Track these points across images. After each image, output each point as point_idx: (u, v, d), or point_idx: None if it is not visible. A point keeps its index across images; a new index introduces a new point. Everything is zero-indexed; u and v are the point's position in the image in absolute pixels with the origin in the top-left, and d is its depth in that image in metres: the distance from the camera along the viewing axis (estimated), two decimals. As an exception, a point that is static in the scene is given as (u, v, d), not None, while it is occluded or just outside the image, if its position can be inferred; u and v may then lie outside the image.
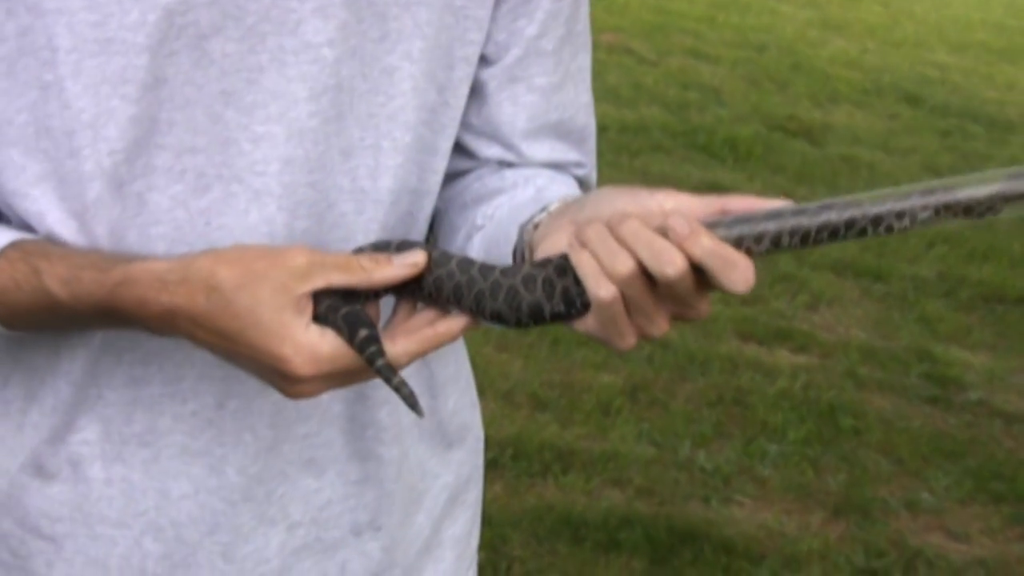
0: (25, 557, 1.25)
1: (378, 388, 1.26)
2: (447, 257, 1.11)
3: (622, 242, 1.02)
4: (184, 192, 1.15)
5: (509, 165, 1.31)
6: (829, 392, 4.57)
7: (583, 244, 1.04)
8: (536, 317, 1.08)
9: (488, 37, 1.27)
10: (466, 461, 1.45)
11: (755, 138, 7.31)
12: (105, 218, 1.14)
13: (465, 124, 1.30)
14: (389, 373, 1.06)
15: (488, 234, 1.24)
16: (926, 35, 11.18)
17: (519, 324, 1.09)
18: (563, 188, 1.25)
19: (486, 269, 1.10)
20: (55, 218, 1.14)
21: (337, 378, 1.08)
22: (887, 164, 7.39)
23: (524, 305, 1.07)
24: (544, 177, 1.28)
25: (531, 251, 1.14)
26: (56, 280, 1.10)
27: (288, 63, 1.14)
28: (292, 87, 1.15)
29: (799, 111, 8.12)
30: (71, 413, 1.21)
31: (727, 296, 5.10)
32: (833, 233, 1.02)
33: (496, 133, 1.30)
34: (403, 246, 1.12)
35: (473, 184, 1.31)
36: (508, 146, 1.31)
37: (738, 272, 1.00)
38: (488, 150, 1.31)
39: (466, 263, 1.11)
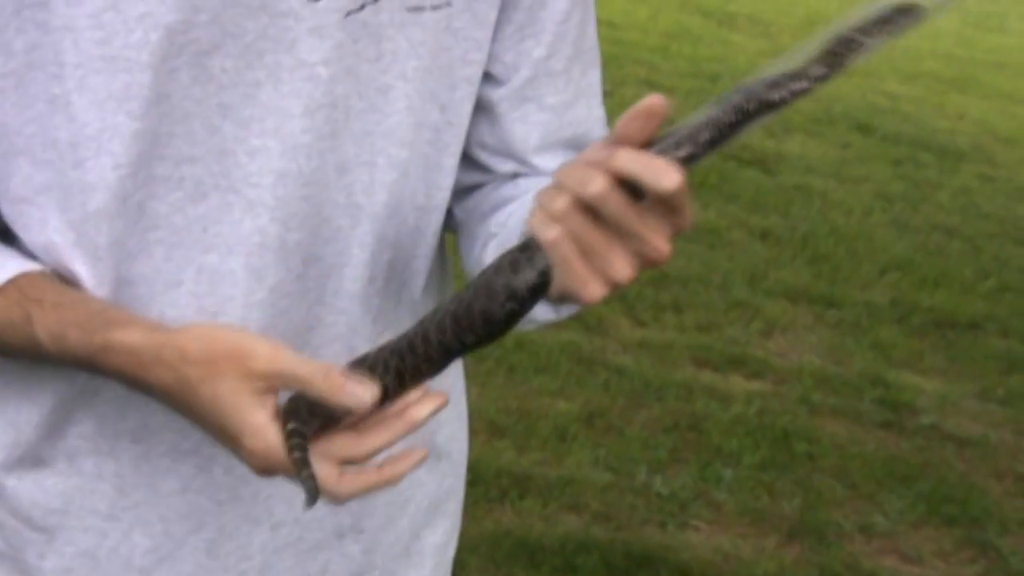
0: (18, 548, 1.28)
1: None
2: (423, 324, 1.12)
3: (557, 185, 1.05)
4: (182, 199, 1.18)
5: (525, 175, 1.34)
6: (783, 417, 4.60)
7: (535, 205, 1.07)
8: (514, 296, 1.08)
9: (495, 58, 1.29)
10: (450, 472, 1.47)
11: (709, 167, 7.34)
12: (106, 228, 1.16)
13: (479, 143, 1.32)
14: (301, 465, 1.07)
15: (501, 241, 1.26)
16: (877, 65, 11.26)
17: (507, 313, 1.08)
18: None
19: (452, 299, 1.11)
20: (55, 227, 1.16)
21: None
22: (839, 192, 7.44)
23: (499, 289, 1.07)
24: None
25: None
26: (45, 332, 1.14)
27: (284, 80, 1.17)
28: (287, 103, 1.18)
29: (752, 140, 8.16)
30: (69, 407, 1.24)
31: (682, 323, 5.16)
32: (740, 111, 1.04)
33: (510, 151, 1.33)
34: (374, 366, 1.11)
35: (490, 194, 1.34)
36: (522, 162, 1.33)
37: (660, 170, 1.01)
38: (503, 166, 1.34)
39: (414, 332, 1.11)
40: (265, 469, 1.10)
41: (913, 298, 5.97)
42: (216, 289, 1.20)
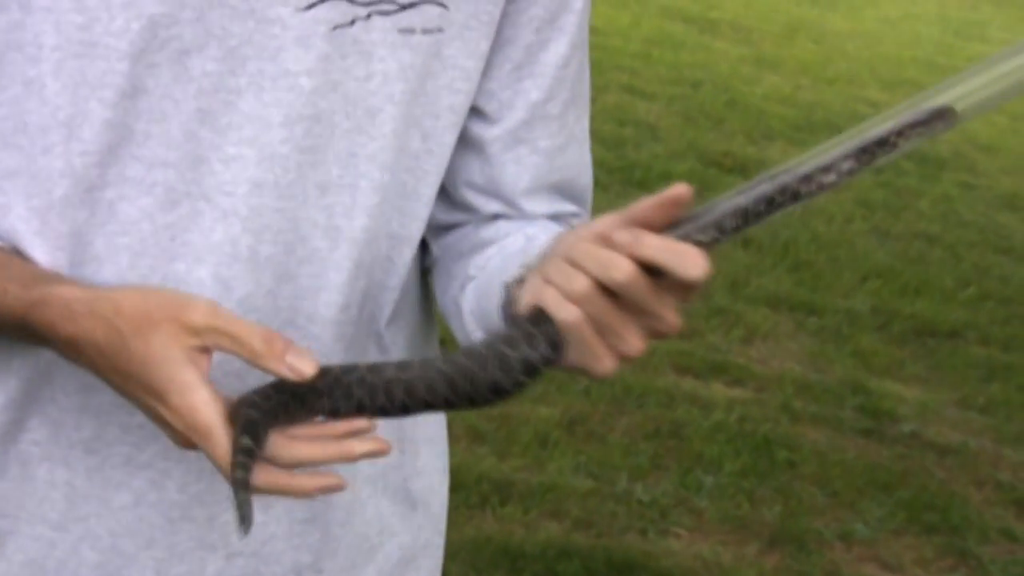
0: None
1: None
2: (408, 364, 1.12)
3: (575, 264, 1.04)
4: (152, 205, 1.17)
5: (506, 217, 1.33)
6: (764, 425, 4.60)
7: (546, 281, 1.06)
8: (530, 371, 1.08)
9: (490, 95, 1.28)
10: (426, 526, 1.43)
11: (691, 174, 7.35)
12: (70, 218, 1.16)
13: (467, 182, 1.31)
14: (240, 487, 1.03)
15: (479, 285, 1.25)
16: (858, 72, 11.29)
17: (517, 385, 1.09)
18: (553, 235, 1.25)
19: (449, 357, 1.11)
20: (18, 214, 1.16)
21: (203, 448, 1.07)
22: (820, 200, 7.44)
23: (515, 363, 1.07)
24: (536, 226, 1.29)
25: (516, 306, 1.14)
26: None
27: (266, 88, 1.16)
28: (268, 112, 1.17)
29: (734, 147, 8.18)
30: (22, 412, 1.22)
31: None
32: (770, 202, 1.04)
33: (498, 192, 1.31)
34: (347, 371, 1.11)
35: (470, 235, 1.32)
36: (509, 203, 1.32)
37: (689, 259, 1.01)
38: (489, 206, 1.32)
39: (443, 361, 1.11)
40: (185, 435, 1.07)
41: (894, 306, 5.98)
42: None
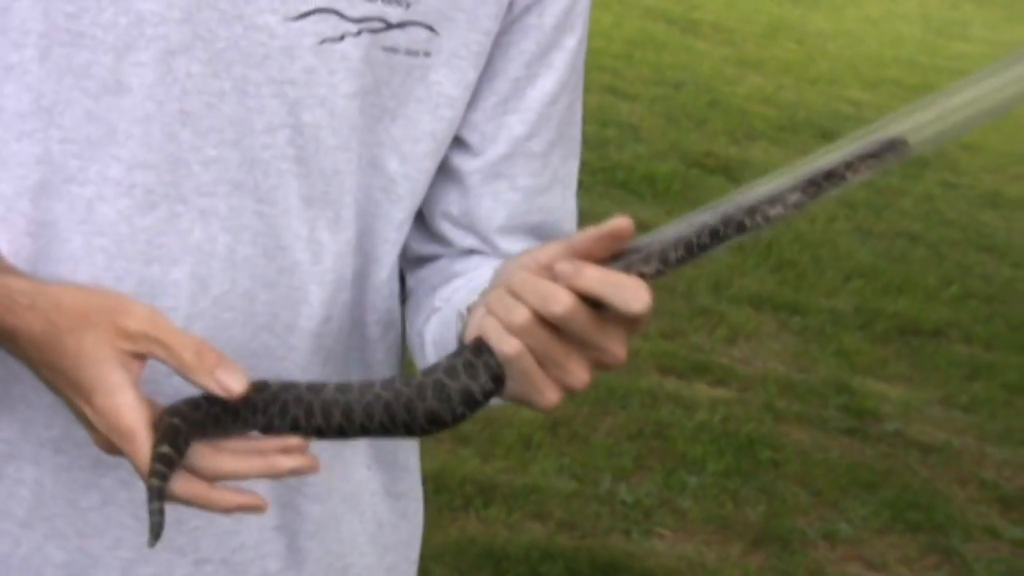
0: None
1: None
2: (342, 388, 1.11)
3: (516, 296, 1.03)
4: (131, 207, 1.16)
5: (482, 253, 1.31)
6: (748, 425, 4.60)
7: (488, 311, 1.05)
8: (469, 403, 1.07)
9: (473, 126, 1.27)
10: (393, 548, 1.41)
11: (673, 174, 7.36)
12: (44, 207, 1.16)
13: (444, 213, 1.30)
14: (154, 496, 1.03)
15: (442, 317, 1.24)
16: (840, 72, 11.31)
17: (455, 416, 1.08)
18: None
19: (390, 383, 1.10)
20: None
21: (125, 452, 1.07)
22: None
23: (454, 394, 1.07)
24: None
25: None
26: None
27: (249, 93, 1.16)
28: (250, 117, 1.17)
29: (716, 147, 8.19)
30: None
31: (647, 330, 5.14)
32: (714, 234, 1.02)
33: (474, 226, 1.30)
34: (285, 388, 1.10)
35: (444, 268, 1.31)
36: (484, 240, 1.30)
37: (630, 291, 0.99)
38: (464, 240, 1.31)
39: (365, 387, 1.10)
40: (107, 436, 1.06)
41: (877, 305, 5.99)
42: (156, 301, 1.17)
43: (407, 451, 1.40)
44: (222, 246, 1.19)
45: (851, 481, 4.37)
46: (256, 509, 1.09)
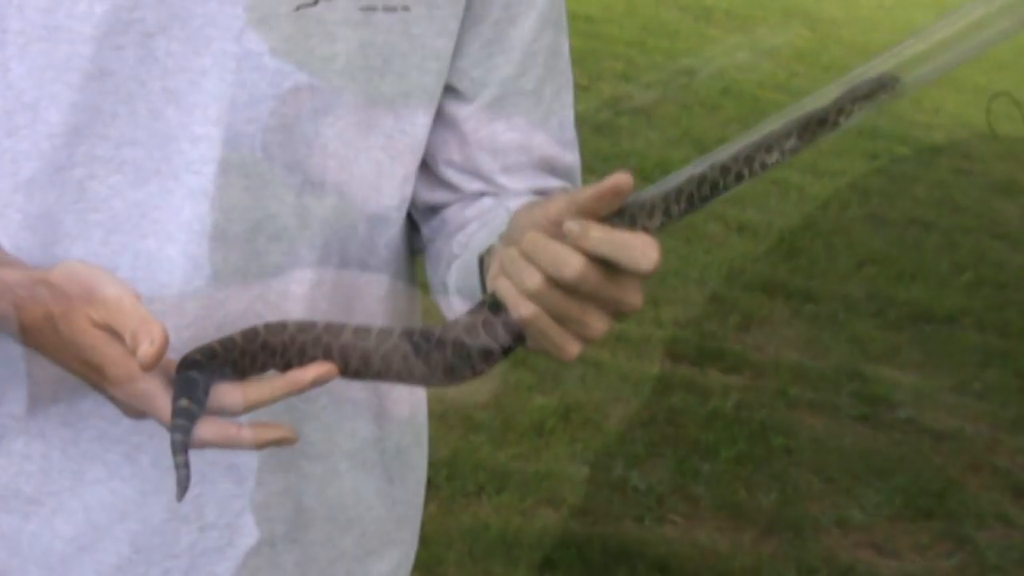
0: None
1: (306, 401, 1.26)
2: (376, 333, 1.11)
3: (527, 258, 1.03)
4: (122, 183, 1.18)
5: (492, 195, 1.32)
6: (760, 412, 4.60)
7: (503, 272, 1.06)
8: (488, 359, 1.08)
9: (462, 73, 1.28)
10: (403, 500, 1.43)
11: (686, 162, 7.26)
12: (38, 199, 1.17)
13: (447, 161, 1.31)
14: (177, 449, 1.04)
15: (463, 263, 1.24)
16: (853, 59, 11.27)
17: (473, 372, 1.09)
18: None
19: (409, 334, 1.10)
20: None
21: (149, 414, 1.09)
22: (816, 187, 7.45)
23: (474, 351, 1.08)
24: (519, 199, 1.28)
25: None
26: None
27: (230, 68, 1.17)
28: (232, 91, 1.18)
29: (729, 134, 8.13)
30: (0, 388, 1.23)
31: (659, 317, 5.15)
32: (713, 184, 1.04)
33: (477, 171, 1.31)
34: (302, 329, 1.11)
35: (457, 214, 1.32)
36: (490, 182, 1.31)
37: (638, 250, 0.99)
38: (471, 185, 1.32)
39: (383, 334, 1.11)
40: (129, 404, 1.09)
41: (890, 292, 5.98)
42: (153, 275, 1.19)
43: (415, 404, 1.42)
44: (212, 225, 1.20)
45: (864, 468, 4.37)
46: (287, 441, 1.10)
